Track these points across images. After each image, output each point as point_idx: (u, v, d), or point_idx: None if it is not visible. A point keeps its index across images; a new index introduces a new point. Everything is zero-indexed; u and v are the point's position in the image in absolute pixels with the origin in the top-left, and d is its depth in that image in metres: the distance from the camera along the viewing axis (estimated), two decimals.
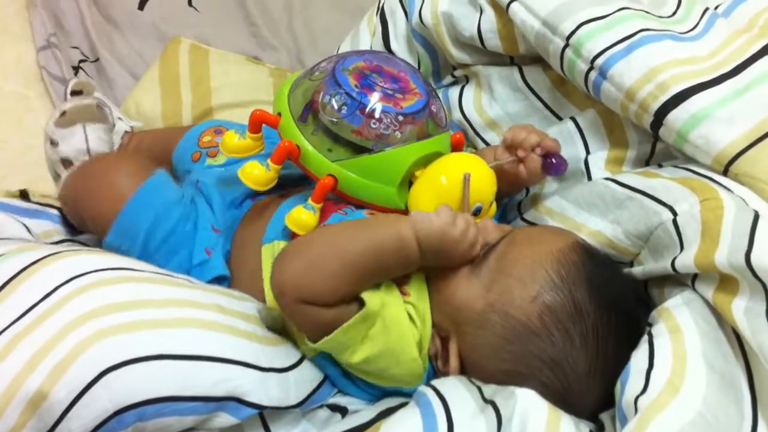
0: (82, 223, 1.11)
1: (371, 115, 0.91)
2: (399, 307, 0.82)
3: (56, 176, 1.25)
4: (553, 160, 0.96)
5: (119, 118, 1.34)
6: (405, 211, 0.94)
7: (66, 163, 1.23)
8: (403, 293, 0.84)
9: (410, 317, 0.83)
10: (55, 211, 1.16)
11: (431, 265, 0.85)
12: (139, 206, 1.01)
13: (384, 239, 0.81)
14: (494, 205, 0.96)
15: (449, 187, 0.90)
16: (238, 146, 0.96)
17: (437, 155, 0.93)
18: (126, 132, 1.32)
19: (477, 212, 0.92)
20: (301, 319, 0.82)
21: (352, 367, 0.84)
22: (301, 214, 0.90)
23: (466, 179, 0.89)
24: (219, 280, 0.98)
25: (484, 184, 0.92)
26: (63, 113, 1.24)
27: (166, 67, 1.49)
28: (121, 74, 1.57)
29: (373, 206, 0.93)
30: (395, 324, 0.81)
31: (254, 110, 0.96)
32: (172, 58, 1.51)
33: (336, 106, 0.91)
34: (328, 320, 0.79)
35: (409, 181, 0.94)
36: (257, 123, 0.95)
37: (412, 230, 0.81)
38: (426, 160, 0.93)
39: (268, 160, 0.92)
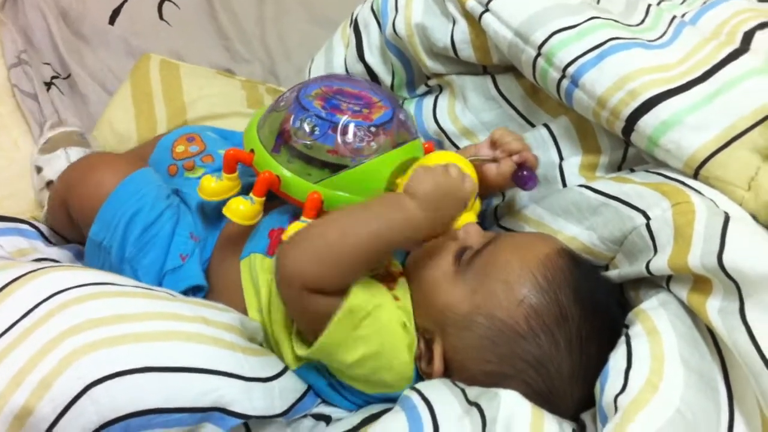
0: (68, 226, 1.12)
1: (344, 131, 0.92)
2: (393, 311, 0.83)
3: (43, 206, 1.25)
4: (525, 173, 0.97)
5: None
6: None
7: (51, 185, 1.24)
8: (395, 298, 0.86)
9: (404, 324, 0.84)
10: (27, 227, 1.15)
11: (435, 228, 0.85)
12: (122, 197, 1.02)
13: (390, 218, 0.82)
14: (478, 202, 0.97)
15: None
16: (217, 189, 0.96)
17: (414, 160, 0.95)
18: None
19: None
20: (302, 309, 0.82)
21: (343, 371, 0.85)
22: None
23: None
24: (194, 291, 0.98)
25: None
26: (47, 141, 1.28)
27: (138, 85, 1.49)
28: (93, 89, 1.56)
29: None
30: (389, 327, 0.82)
31: (227, 151, 0.97)
32: (143, 75, 1.50)
33: (308, 130, 0.92)
34: (326, 311, 0.79)
35: (391, 191, 0.94)
36: (232, 162, 0.96)
37: (411, 198, 0.82)
38: (404, 167, 0.94)
39: (251, 194, 0.93)
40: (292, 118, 0.94)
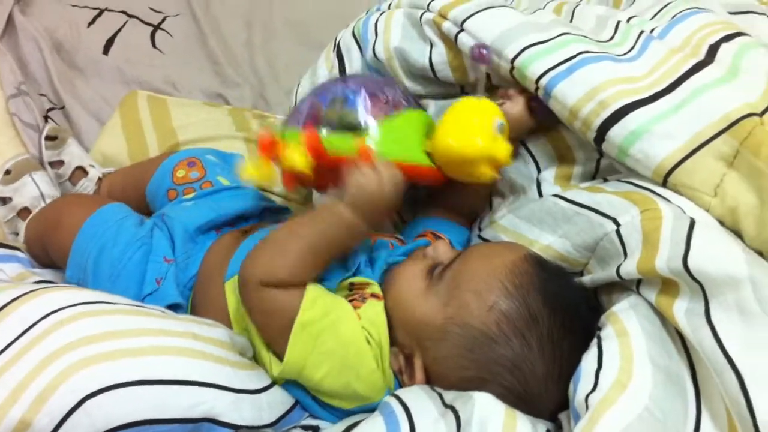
0: (49, 262, 1.17)
1: (373, 96, 1.02)
2: (354, 326, 0.87)
3: (14, 235, 1.29)
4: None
5: (91, 166, 1.39)
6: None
7: (24, 212, 1.28)
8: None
9: (366, 339, 0.87)
10: (23, 255, 1.20)
11: (370, 225, 0.92)
12: (86, 238, 1.07)
13: (330, 221, 0.91)
14: (509, 146, 0.98)
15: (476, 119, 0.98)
16: (256, 172, 0.98)
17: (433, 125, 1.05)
18: (99, 179, 1.37)
19: (501, 129, 0.98)
20: (263, 309, 0.87)
21: (319, 390, 0.88)
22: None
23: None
24: (174, 309, 1.01)
25: (492, 107, 1.00)
26: (7, 172, 1.32)
27: (127, 116, 1.53)
28: (86, 119, 1.59)
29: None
30: (351, 340, 0.86)
31: (260, 132, 1.01)
32: (131, 108, 1.55)
33: (339, 103, 1.01)
34: (287, 306, 0.85)
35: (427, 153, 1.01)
36: (266, 143, 0.97)
37: (344, 206, 0.91)
38: (430, 129, 1.04)
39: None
40: (321, 103, 1.01)
